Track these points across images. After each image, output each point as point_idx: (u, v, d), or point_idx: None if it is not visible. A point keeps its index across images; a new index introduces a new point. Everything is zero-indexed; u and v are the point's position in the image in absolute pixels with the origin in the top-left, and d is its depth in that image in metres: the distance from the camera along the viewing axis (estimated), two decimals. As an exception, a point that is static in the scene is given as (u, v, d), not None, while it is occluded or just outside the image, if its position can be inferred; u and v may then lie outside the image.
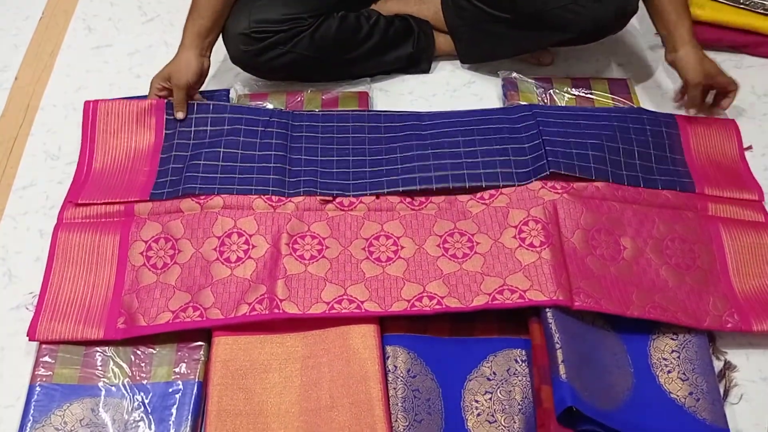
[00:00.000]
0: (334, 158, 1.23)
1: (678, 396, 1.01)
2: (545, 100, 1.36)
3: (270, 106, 1.33)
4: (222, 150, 1.21)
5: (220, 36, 1.30)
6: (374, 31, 1.38)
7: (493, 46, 1.39)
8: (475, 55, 1.44)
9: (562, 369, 0.96)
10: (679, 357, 1.04)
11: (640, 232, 1.14)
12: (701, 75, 1.26)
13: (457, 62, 1.47)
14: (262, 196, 1.17)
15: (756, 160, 1.30)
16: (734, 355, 1.07)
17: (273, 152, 1.22)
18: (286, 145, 1.23)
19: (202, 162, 1.20)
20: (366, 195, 1.19)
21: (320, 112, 1.29)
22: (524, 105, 1.30)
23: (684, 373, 1.02)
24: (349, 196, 1.19)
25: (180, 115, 1.24)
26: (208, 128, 1.24)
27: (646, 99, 1.41)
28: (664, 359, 1.04)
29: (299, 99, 1.36)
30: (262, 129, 1.24)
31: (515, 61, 1.45)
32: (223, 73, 1.43)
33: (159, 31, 1.55)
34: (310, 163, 1.22)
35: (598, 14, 1.26)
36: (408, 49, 1.42)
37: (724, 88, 1.30)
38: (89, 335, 1.05)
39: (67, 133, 1.35)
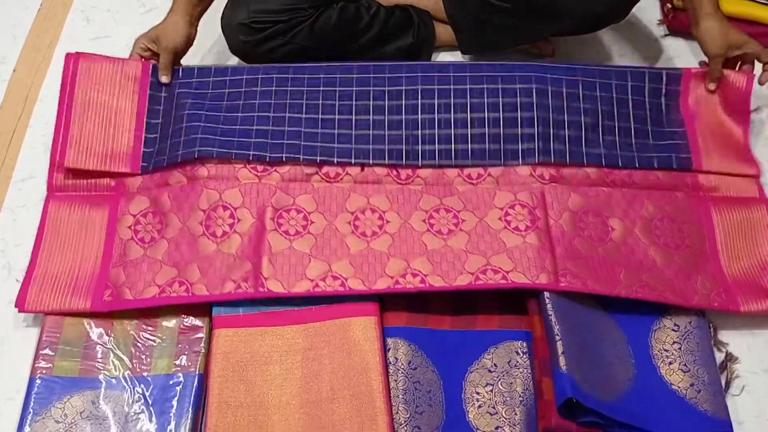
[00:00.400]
0: (319, 117, 1.21)
1: (679, 387, 1.01)
2: None
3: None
4: (204, 113, 1.19)
5: (220, 27, 1.29)
6: (374, 22, 1.37)
7: (494, 36, 1.38)
8: (475, 45, 1.43)
9: (562, 361, 0.96)
10: (680, 348, 1.04)
11: (629, 212, 1.14)
12: (723, 47, 1.21)
13: (458, 53, 1.46)
14: (247, 166, 1.16)
15: (760, 149, 1.29)
16: (736, 347, 1.07)
17: (257, 113, 1.20)
18: (270, 103, 1.21)
19: (184, 125, 1.18)
20: (351, 165, 1.18)
21: (308, 65, 1.25)
22: (524, 65, 1.24)
23: (685, 365, 1.02)
24: (333, 163, 1.17)
25: (164, 78, 1.22)
26: (191, 91, 1.22)
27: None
28: (666, 350, 1.04)
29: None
30: (246, 89, 1.22)
31: (516, 52, 1.44)
32: (222, 63, 1.42)
33: (157, 23, 1.54)
34: (294, 122, 1.20)
35: (600, 3, 1.25)
36: (408, 40, 1.41)
37: (755, 59, 1.25)
38: (76, 306, 1.06)
39: (66, 125, 1.35)
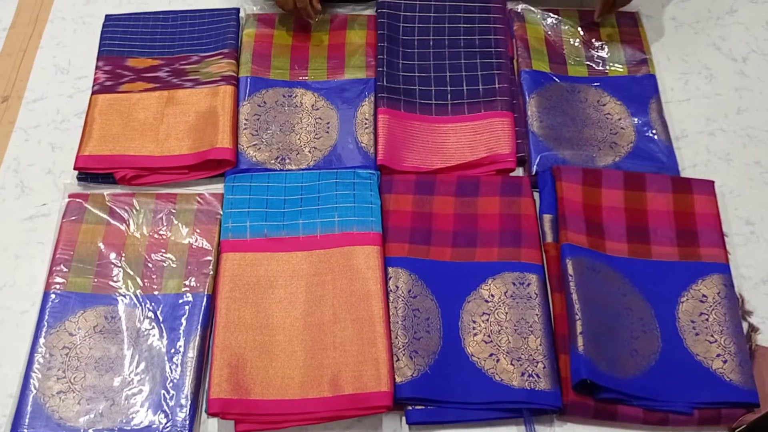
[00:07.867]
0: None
1: (705, 358, 1.00)
2: (552, 38, 1.33)
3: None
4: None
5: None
6: None
7: None
8: None
9: (580, 341, 0.97)
10: (707, 320, 1.03)
11: None
12: None
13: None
14: None
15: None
16: (758, 320, 1.06)
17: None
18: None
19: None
20: None
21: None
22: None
23: (712, 335, 1.02)
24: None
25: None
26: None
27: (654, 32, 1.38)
28: (693, 322, 1.03)
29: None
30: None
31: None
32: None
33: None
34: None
35: None
36: None
37: None
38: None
39: (77, 47, 1.35)
